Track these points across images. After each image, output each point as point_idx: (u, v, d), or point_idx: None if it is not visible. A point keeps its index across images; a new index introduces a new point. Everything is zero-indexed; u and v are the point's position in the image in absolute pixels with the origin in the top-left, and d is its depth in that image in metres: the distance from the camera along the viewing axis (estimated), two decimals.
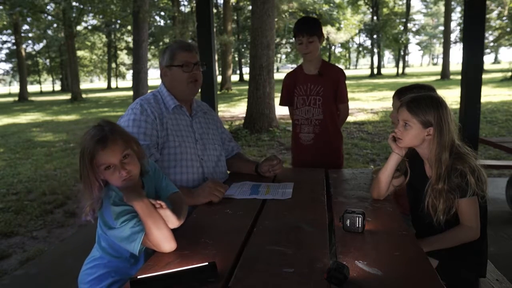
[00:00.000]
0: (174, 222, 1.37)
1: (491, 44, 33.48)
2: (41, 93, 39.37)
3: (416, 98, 1.61)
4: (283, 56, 43.27)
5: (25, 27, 30.14)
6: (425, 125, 1.57)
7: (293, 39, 2.68)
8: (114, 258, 1.46)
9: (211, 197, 1.79)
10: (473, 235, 1.56)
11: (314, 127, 2.65)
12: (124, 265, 1.46)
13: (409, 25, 40.99)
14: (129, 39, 34.18)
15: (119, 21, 27.08)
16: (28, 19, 24.04)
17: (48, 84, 54.81)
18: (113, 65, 44.63)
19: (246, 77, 23.06)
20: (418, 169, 1.69)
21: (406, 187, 1.78)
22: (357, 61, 73.85)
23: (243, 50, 34.59)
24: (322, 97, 2.62)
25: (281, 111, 11.27)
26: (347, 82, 2.74)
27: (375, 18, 35.95)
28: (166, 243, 1.29)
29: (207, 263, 1.14)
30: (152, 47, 29.16)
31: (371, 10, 36.56)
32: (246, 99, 9.64)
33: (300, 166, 2.75)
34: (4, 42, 35.78)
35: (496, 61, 55.40)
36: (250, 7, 16.62)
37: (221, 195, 1.81)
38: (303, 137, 2.71)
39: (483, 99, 3.42)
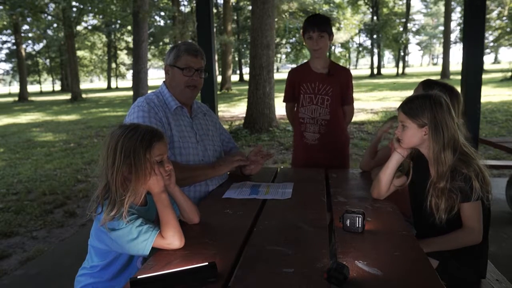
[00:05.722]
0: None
1: (491, 44, 33.46)
2: (41, 93, 39.36)
3: (410, 99, 1.63)
4: (283, 56, 43.22)
5: (25, 27, 30.12)
6: (421, 124, 1.57)
7: (302, 35, 2.60)
8: (96, 272, 1.45)
9: (235, 164, 2.05)
10: (475, 239, 1.56)
11: (320, 127, 2.61)
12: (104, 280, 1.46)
13: (409, 25, 41.02)
14: (129, 39, 34.21)
15: (119, 21, 27.08)
16: (28, 19, 24.01)
17: (48, 84, 54.80)
18: (113, 65, 44.63)
19: (246, 77, 23.06)
20: (423, 169, 1.68)
21: (408, 187, 1.77)
22: (357, 61, 73.74)
23: (243, 50, 34.59)
24: (330, 97, 2.58)
25: (281, 111, 11.29)
26: None
27: (375, 18, 35.94)
28: (177, 239, 1.32)
29: (207, 263, 1.14)
30: (152, 47, 29.18)
31: (371, 10, 36.55)
32: (246, 99, 9.63)
33: (303, 166, 2.70)
34: (4, 42, 35.86)
35: (496, 61, 55.37)
36: (250, 7, 16.61)
37: (242, 161, 2.09)
38: (308, 136, 2.65)
39: (483, 99, 3.42)
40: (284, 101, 2.83)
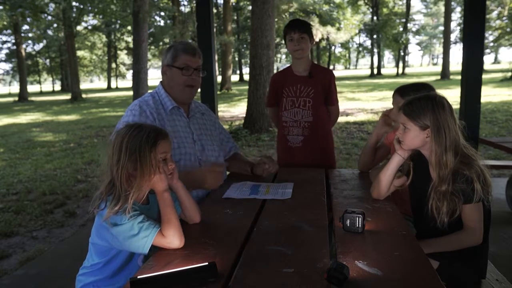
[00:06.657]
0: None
1: (491, 44, 33.50)
2: (41, 93, 39.38)
3: (412, 101, 1.60)
4: (283, 56, 43.30)
5: (25, 27, 30.16)
6: (423, 127, 1.56)
7: (284, 39, 2.67)
8: (97, 270, 1.46)
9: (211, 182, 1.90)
10: (476, 240, 1.55)
11: (303, 130, 2.62)
12: (105, 278, 1.47)
13: (409, 25, 41.07)
14: (129, 39, 34.19)
15: (119, 21, 27.08)
16: (28, 19, 24.04)
17: (48, 84, 54.83)
18: (113, 65, 44.65)
19: (246, 77, 23.05)
20: (423, 170, 1.67)
21: (409, 188, 1.77)
22: (357, 61, 73.86)
23: (243, 50, 34.62)
24: (312, 99, 2.60)
25: None
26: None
27: (375, 18, 35.95)
28: (177, 239, 1.33)
29: (207, 263, 1.14)
30: (152, 47, 29.16)
31: (371, 10, 36.56)
32: (246, 99, 9.63)
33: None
34: (4, 42, 35.92)
35: (496, 61, 55.38)
36: (250, 7, 16.61)
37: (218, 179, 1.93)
38: (291, 140, 2.66)
39: (483, 99, 3.42)
40: (267, 105, 2.85)
